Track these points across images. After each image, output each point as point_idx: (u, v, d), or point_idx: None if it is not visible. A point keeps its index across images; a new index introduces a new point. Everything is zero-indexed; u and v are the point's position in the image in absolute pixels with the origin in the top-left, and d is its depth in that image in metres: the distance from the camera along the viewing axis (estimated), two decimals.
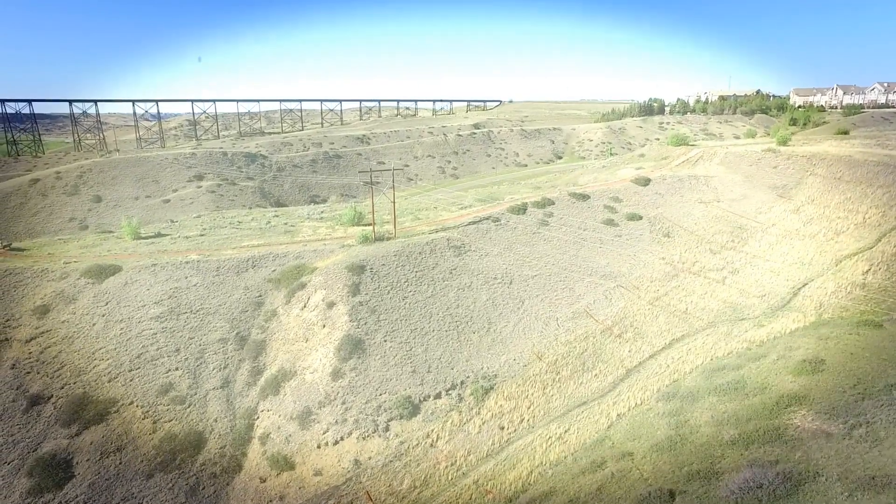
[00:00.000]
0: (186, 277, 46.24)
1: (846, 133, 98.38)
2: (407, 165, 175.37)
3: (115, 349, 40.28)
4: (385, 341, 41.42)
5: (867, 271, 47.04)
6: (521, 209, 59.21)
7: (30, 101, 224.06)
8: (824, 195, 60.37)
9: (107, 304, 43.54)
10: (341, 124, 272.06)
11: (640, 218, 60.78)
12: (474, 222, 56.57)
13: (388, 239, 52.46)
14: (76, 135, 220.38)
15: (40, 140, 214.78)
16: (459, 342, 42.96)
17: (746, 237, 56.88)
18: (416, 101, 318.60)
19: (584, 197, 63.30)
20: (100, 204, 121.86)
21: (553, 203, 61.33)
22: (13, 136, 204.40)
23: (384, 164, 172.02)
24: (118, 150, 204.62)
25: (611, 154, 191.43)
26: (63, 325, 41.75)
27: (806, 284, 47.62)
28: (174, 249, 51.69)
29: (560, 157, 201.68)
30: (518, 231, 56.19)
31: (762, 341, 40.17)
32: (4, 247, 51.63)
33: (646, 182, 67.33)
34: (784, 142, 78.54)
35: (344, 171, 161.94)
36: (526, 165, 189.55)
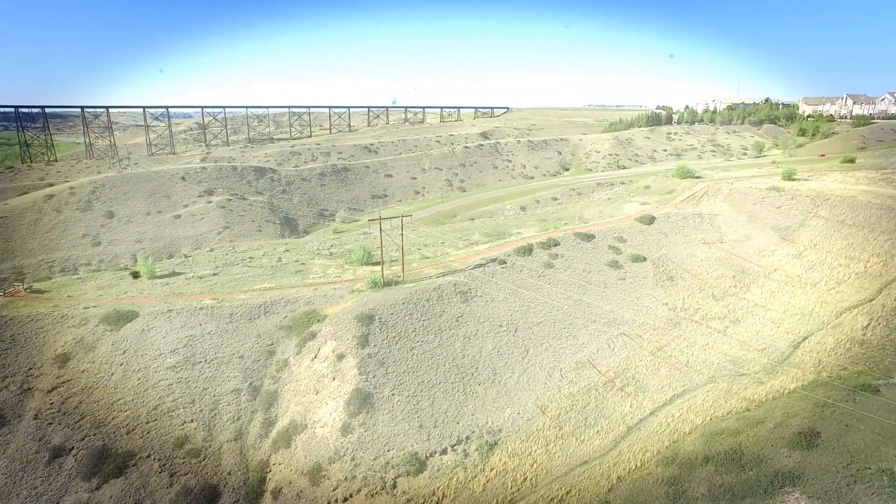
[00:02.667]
0: (201, 324, 47.69)
1: (852, 161, 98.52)
2: (414, 178, 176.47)
3: (133, 400, 41.79)
4: (393, 395, 42.69)
5: (867, 326, 47.86)
6: (527, 250, 60.31)
7: (43, 108, 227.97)
8: (827, 240, 61.10)
9: (124, 352, 45.07)
10: (349, 130, 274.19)
11: (644, 259, 61.75)
12: (481, 265, 57.73)
13: (397, 283, 53.69)
14: (87, 140, 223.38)
15: (53, 146, 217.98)
16: (465, 395, 44.17)
17: (749, 283, 57.74)
18: (423, 107, 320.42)
19: (589, 237, 64.33)
20: (112, 220, 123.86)
21: (558, 244, 62.37)
22: (26, 139, 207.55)
23: (391, 177, 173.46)
24: (129, 157, 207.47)
25: (618, 167, 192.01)
26: (83, 374, 43.32)
27: (806, 338, 48.51)
28: (188, 292, 53.18)
29: (567, 169, 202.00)
30: (524, 274, 57.29)
31: (761, 401, 41.14)
32: (26, 289, 53.36)
33: (650, 220, 68.25)
34: (789, 176, 79.09)
35: (352, 185, 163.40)
36: (533, 178, 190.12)
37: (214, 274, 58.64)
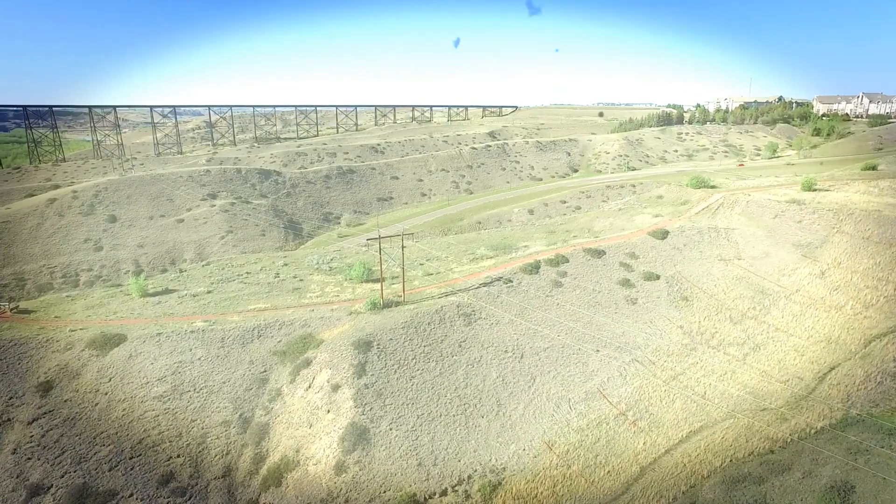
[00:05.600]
0: (191, 350, 45.46)
1: (874, 168, 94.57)
2: (421, 180, 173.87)
3: (117, 433, 39.64)
4: (390, 429, 40.22)
5: None
6: (534, 268, 57.54)
7: (51, 107, 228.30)
8: (852, 258, 57.78)
9: (110, 380, 42.94)
10: (356, 130, 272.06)
11: (658, 277, 58.76)
12: (486, 284, 55.08)
13: (398, 304, 51.20)
14: (95, 140, 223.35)
15: (61, 145, 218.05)
16: (467, 428, 41.61)
17: (769, 304, 54.62)
18: (431, 106, 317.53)
19: (600, 253, 61.40)
20: (114, 224, 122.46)
21: (567, 260, 59.52)
22: (34, 138, 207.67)
23: (398, 178, 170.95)
24: (135, 158, 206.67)
25: (628, 168, 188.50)
26: (66, 404, 41.22)
27: (833, 369, 45.44)
28: (180, 312, 50.98)
29: (576, 171, 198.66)
30: (530, 294, 54.56)
31: (786, 441, 38.24)
32: (12, 309, 51.40)
33: (663, 235, 65.17)
34: (809, 186, 75.56)
35: (357, 187, 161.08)
36: (541, 179, 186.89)
37: (209, 291, 56.42)
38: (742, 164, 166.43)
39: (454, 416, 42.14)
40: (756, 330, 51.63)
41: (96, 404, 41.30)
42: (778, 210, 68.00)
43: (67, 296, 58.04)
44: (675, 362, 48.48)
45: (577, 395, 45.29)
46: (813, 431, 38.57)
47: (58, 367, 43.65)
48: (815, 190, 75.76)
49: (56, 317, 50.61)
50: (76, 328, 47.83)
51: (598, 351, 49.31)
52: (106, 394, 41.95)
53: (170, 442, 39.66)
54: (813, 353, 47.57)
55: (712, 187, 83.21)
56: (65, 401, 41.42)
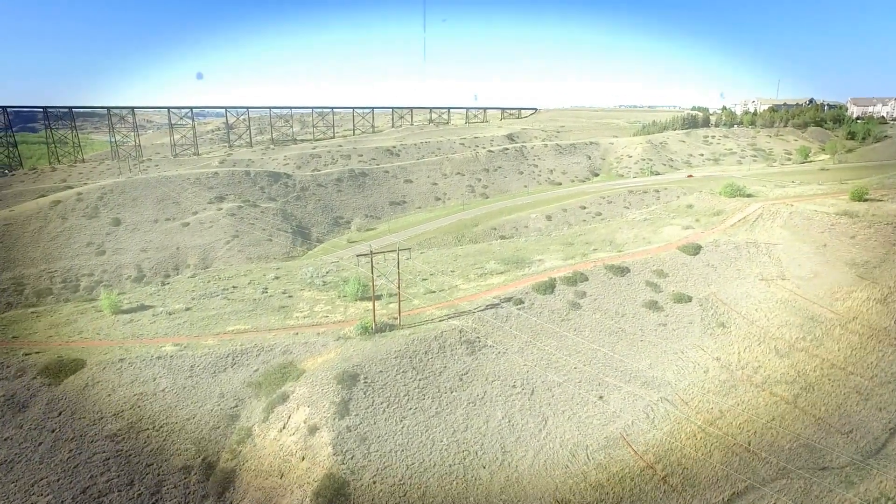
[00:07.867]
0: (155, 379, 40.09)
1: None
2: (435, 184, 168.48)
3: (59, 480, 34.32)
4: (374, 483, 34.17)
5: None
6: (549, 287, 51.06)
7: (70, 108, 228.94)
8: None
9: (60, 414, 37.76)
10: (373, 132, 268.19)
11: (690, 300, 51.77)
12: (493, 305, 48.79)
13: (393, 328, 45.24)
14: (113, 140, 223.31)
15: (80, 146, 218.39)
16: (465, 482, 35.35)
17: (821, 334, 47.26)
18: (448, 108, 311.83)
19: (623, 270, 54.59)
20: (118, 228, 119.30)
21: (586, 278, 52.90)
22: (54, 139, 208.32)
23: (411, 182, 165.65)
24: (151, 159, 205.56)
25: (651, 173, 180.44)
26: (5, 444, 36.10)
27: None
28: (150, 334, 45.74)
29: (597, 175, 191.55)
30: (544, 317, 48.12)
31: None
32: None
33: (695, 250, 58.02)
34: (860, 196, 67.53)
35: (370, 190, 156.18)
36: (560, 184, 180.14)
37: (187, 308, 51.17)
38: (691, 176, 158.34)
39: (451, 465, 35.92)
40: (807, 365, 44.35)
41: (40, 444, 36.09)
42: (826, 223, 60.28)
43: (32, 311, 53.26)
44: (712, 403, 41.51)
45: (596, 440, 38.68)
46: (889, 502, 31.45)
47: (3, 398, 38.62)
48: (866, 200, 67.73)
49: (14, 337, 45.80)
50: (32, 351, 42.90)
51: (620, 387, 42.64)
52: (53, 431, 36.76)
53: (118, 492, 34.22)
54: (880, 398, 40.21)
55: (748, 196, 75.53)
56: (5, 439, 36.31)
